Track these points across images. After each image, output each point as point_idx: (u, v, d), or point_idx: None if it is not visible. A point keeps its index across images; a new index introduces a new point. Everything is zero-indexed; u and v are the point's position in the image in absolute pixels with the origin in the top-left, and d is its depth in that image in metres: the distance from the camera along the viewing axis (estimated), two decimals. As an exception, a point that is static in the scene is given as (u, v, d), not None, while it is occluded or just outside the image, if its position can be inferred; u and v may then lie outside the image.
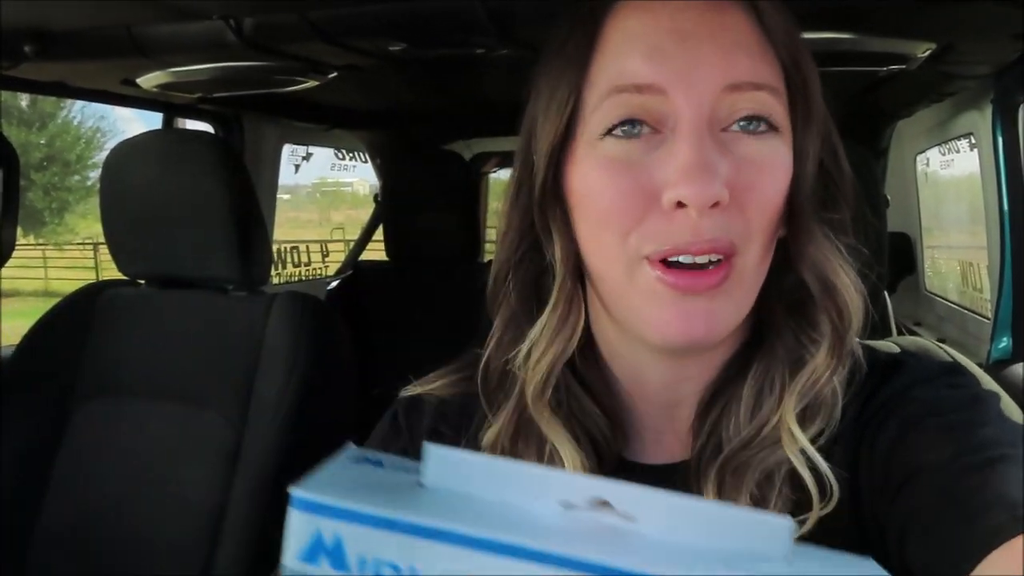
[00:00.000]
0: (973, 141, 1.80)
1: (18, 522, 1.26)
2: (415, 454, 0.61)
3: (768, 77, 0.49)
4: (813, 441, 0.50)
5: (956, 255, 2.39)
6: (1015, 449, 0.43)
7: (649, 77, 0.48)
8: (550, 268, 0.55)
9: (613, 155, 0.49)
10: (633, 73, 0.48)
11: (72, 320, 1.37)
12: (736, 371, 0.54)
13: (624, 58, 0.49)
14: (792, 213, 0.50)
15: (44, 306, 1.42)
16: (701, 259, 0.47)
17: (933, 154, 2.31)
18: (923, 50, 1.23)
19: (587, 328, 0.56)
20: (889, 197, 1.99)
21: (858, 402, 0.51)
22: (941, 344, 0.78)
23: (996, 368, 1.57)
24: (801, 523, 0.47)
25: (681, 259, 0.47)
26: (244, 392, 1.23)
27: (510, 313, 0.56)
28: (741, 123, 0.48)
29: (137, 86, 1.48)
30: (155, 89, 1.51)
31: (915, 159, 2.44)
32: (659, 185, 0.47)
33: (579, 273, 0.54)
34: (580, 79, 0.50)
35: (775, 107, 0.49)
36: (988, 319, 1.72)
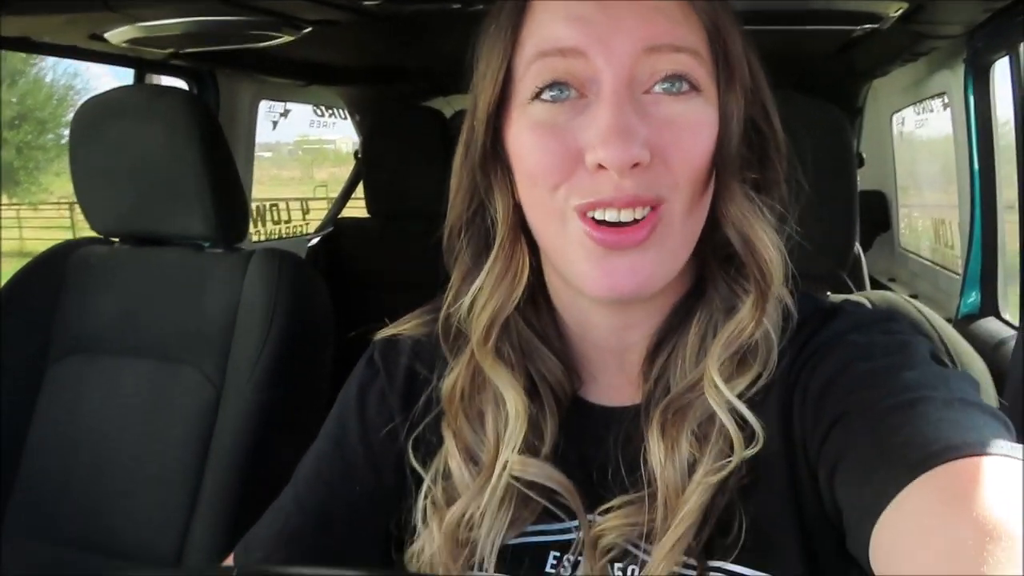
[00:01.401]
0: (946, 101, 1.82)
1: (-1, 479, 1.27)
2: (392, 394, 0.64)
3: (688, 40, 0.51)
4: (750, 387, 0.53)
5: (930, 213, 2.43)
6: (936, 392, 0.46)
7: (571, 41, 0.51)
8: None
9: (541, 119, 0.52)
10: (556, 38, 0.51)
11: (45, 279, 1.36)
12: (680, 319, 0.57)
13: (549, 24, 0.52)
14: (716, 172, 0.53)
15: (19, 266, 1.40)
16: (626, 216, 0.50)
17: (908, 113, 2.33)
18: (895, 9, 1.23)
19: (541, 278, 0.60)
20: (864, 156, 2.01)
21: (794, 348, 0.54)
22: (910, 299, 0.81)
23: (964, 323, 1.61)
24: (726, 464, 0.51)
25: (607, 216, 0.50)
26: (222, 349, 1.23)
27: (465, 268, 0.59)
28: (664, 84, 0.51)
29: (105, 41, 1.46)
30: (124, 45, 1.48)
31: (891, 118, 2.46)
32: (583, 147, 0.50)
33: (521, 228, 0.57)
34: (511, 45, 0.53)
35: (695, 68, 0.51)
36: (959, 275, 1.76)
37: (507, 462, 0.56)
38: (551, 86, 0.51)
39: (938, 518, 0.38)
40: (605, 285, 0.51)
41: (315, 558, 0.64)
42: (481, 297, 0.58)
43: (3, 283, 1.37)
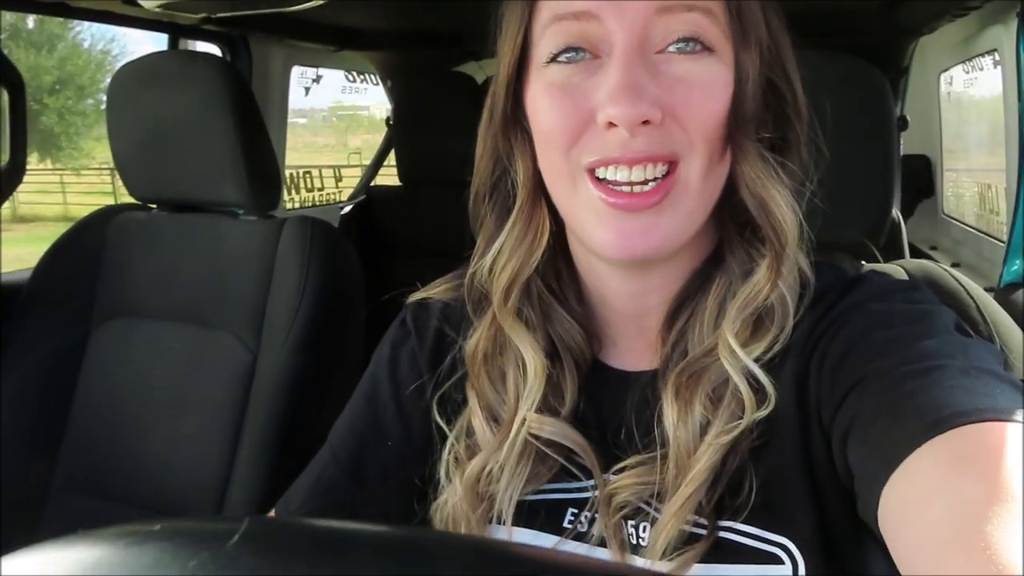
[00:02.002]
0: (997, 58, 1.75)
1: (46, 439, 1.32)
2: (421, 354, 0.66)
3: None
4: (766, 351, 0.54)
5: (976, 178, 2.35)
6: (953, 360, 0.46)
7: (584, 4, 0.52)
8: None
9: (556, 80, 0.53)
10: (570, 2, 0.52)
11: (86, 244, 1.40)
12: (699, 284, 0.58)
13: None
14: (730, 132, 0.53)
15: (63, 231, 1.44)
16: (637, 175, 0.51)
17: (957, 72, 2.24)
18: (945, -39, 1.18)
19: (562, 243, 0.61)
20: (909, 118, 1.95)
21: (814, 316, 0.54)
22: (948, 268, 0.79)
23: (1007, 291, 1.56)
24: (737, 425, 0.52)
25: (619, 176, 0.51)
26: (257, 315, 1.26)
27: (489, 232, 0.61)
28: (677, 45, 0.51)
29: (139, 6, 1.46)
30: (157, 9, 1.49)
31: (938, 78, 2.37)
32: (595, 107, 0.51)
33: (541, 192, 0.58)
34: (529, 12, 0.55)
35: (708, 28, 0.51)
36: (1003, 243, 1.70)
37: (525, 419, 0.58)
38: (566, 50, 0.53)
39: (945, 480, 0.38)
40: (618, 247, 0.52)
41: (349, 507, 0.67)
42: (501, 258, 0.59)
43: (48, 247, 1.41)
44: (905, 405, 0.43)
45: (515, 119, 0.57)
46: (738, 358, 0.53)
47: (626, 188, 0.51)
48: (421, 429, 0.65)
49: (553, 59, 0.53)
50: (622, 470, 0.56)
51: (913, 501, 0.40)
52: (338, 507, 0.67)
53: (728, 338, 0.53)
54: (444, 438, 0.63)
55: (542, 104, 0.54)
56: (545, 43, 0.53)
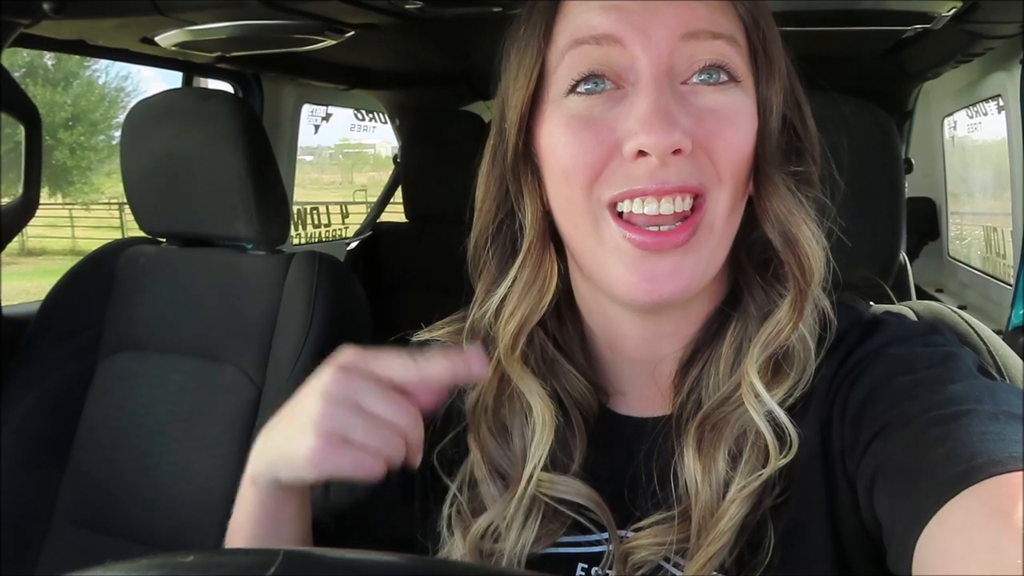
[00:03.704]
0: (1001, 103, 1.76)
1: (49, 472, 1.31)
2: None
3: (726, 27, 0.50)
4: (787, 396, 0.51)
5: (981, 221, 2.36)
6: (981, 405, 0.44)
7: (607, 28, 0.49)
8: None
9: (576, 111, 0.51)
10: (591, 26, 0.50)
11: (96, 276, 1.40)
12: (716, 329, 0.55)
13: (583, 13, 0.51)
14: (757, 165, 0.51)
15: (71, 265, 1.44)
16: (666, 207, 0.49)
17: (961, 117, 2.27)
18: (947, 8, 1.20)
19: (568, 288, 0.58)
20: (913, 161, 1.96)
21: (834, 361, 0.52)
22: (957, 310, 0.78)
23: (1015, 335, 1.55)
24: (760, 476, 0.50)
25: (646, 209, 0.49)
26: (263, 349, 1.26)
27: (491, 277, 0.58)
28: (702, 75, 0.49)
29: (156, 44, 1.49)
30: (174, 48, 1.52)
31: (942, 122, 2.39)
32: (621, 137, 0.49)
33: (550, 235, 0.56)
34: (545, 42, 0.52)
35: (734, 57, 0.50)
36: (1010, 285, 1.70)
37: (532, 474, 0.55)
38: (587, 79, 0.50)
39: (983, 535, 0.37)
40: (643, 289, 0.50)
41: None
42: (508, 304, 0.56)
43: (56, 280, 1.41)
44: (935, 452, 0.42)
45: (526, 157, 0.54)
46: (763, 402, 0.50)
47: (653, 227, 0.49)
48: (403, 475, 0.63)
49: (573, 89, 0.50)
50: (639, 526, 0.53)
51: (951, 556, 0.38)
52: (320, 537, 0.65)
53: (752, 379, 0.51)
54: (439, 490, 0.60)
55: (561, 139, 0.51)
56: (564, 71, 0.51)
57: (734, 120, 0.50)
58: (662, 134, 0.47)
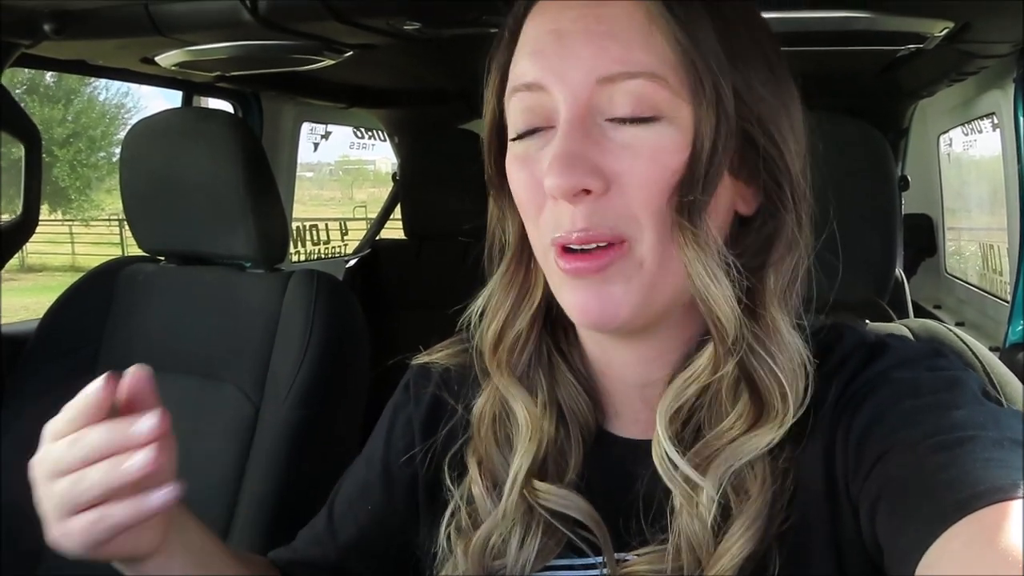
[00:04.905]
0: (996, 121, 1.78)
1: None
2: (417, 420, 0.65)
3: (645, 63, 0.49)
4: (780, 427, 0.50)
5: (978, 237, 2.37)
6: (985, 431, 0.44)
7: (533, 76, 0.51)
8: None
9: (519, 153, 0.53)
10: (523, 73, 0.52)
11: (95, 294, 1.40)
12: (695, 355, 0.54)
13: (520, 60, 0.53)
14: (678, 203, 0.49)
15: (70, 281, 1.45)
16: (588, 245, 0.50)
17: (956, 134, 2.28)
18: (940, 28, 1.21)
19: None
20: (910, 178, 1.97)
21: (838, 385, 0.52)
22: (953, 328, 0.78)
23: (1012, 352, 1.56)
24: (761, 513, 0.50)
25: (573, 245, 0.50)
26: (261, 368, 1.25)
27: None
28: (624, 111, 0.50)
29: (156, 64, 1.50)
30: (174, 68, 1.53)
31: (938, 139, 2.41)
32: (541, 179, 0.50)
33: (528, 253, 0.57)
34: (502, 80, 0.55)
35: (655, 93, 0.49)
36: (1007, 302, 1.70)
37: (516, 478, 0.56)
38: (526, 133, 0.53)
39: (984, 561, 0.37)
40: (579, 312, 0.52)
41: (328, 569, 0.66)
42: (489, 310, 0.59)
43: (56, 297, 1.41)
44: (937, 478, 0.42)
45: (501, 184, 0.56)
46: (674, 463, 0.51)
47: (581, 248, 0.50)
48: (405, 498, 0.64)
49: (519, 137, 0.53)
50: (638, 552, 0.53)
51: None
52: (320, 568, 0.66)
53: (661, 436, 0.52)
54: (438, 508, 0.61)
55: (512, 174, 0.54)
56: (511, 116, 0.54)
57: (651, 155, 0.49)
58: (563, 177, 0.48)
